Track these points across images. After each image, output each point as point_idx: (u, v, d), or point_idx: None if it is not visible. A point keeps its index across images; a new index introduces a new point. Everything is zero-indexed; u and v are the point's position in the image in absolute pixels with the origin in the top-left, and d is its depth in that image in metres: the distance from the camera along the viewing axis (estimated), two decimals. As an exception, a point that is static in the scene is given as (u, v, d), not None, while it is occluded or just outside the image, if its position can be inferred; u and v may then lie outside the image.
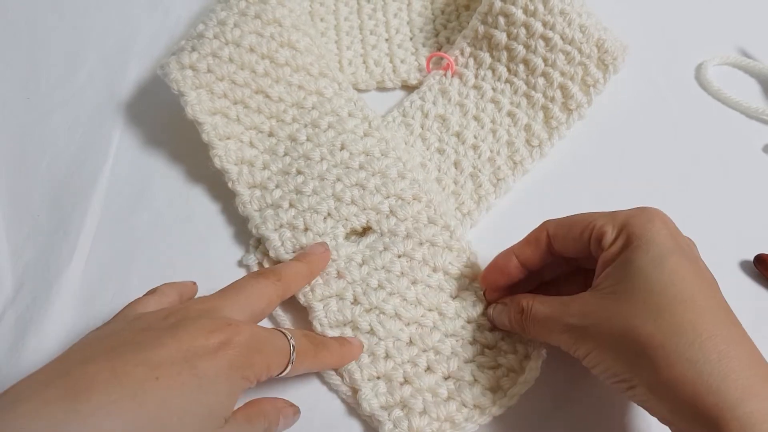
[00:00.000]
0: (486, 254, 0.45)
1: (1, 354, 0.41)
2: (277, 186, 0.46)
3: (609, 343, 0.32)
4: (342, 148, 0.47)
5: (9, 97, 0.54)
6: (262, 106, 0.49)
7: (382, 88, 0.55)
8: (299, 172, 0.46)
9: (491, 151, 0.49)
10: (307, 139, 0.48)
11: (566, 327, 0.34)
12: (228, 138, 0.47)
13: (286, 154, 0.47)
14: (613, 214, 0.36)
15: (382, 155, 0.47)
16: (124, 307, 0.36)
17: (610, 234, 0.35)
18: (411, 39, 0.57)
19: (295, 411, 0.37)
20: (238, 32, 0.48)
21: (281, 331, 0.36)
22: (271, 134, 0.48)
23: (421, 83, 0.53)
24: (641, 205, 0.36)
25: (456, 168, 0.48)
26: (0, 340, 0.41)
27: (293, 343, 0.35)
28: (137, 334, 0.31)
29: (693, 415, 0.29)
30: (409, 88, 0.54)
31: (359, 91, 0.54)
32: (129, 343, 0.30)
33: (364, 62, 0.55)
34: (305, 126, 0.48)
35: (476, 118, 0.50)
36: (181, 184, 0.49)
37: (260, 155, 0.48)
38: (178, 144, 0.49)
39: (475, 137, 0.50)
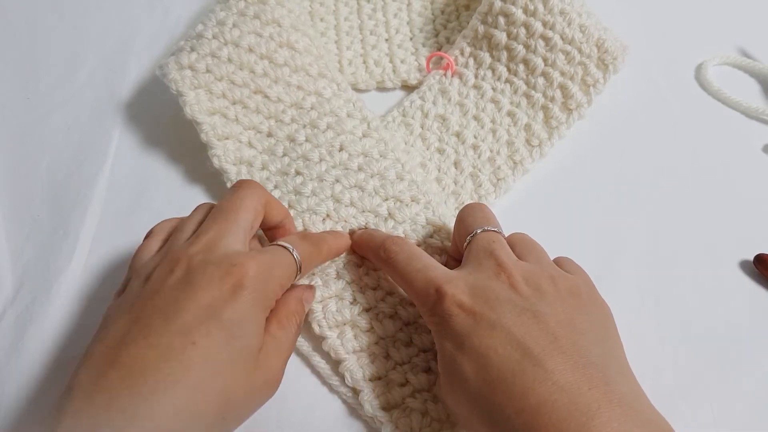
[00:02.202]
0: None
1: (1, 354, 0.41)
2: (275, 187, 0.46)
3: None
4: (341, 149, 0.47)
5: (9, 97, 0.54)
6: (260, 106, 0.48)
7: (382, 88, 0.55)
8: (298, 173, 0.46)
9: (491, 151, 0.49)
10: (306, 140, 0.48)
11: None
12: (227, 138, 0.47)
13: (284, 155, 0.47)
14: (422, 297, 0.36)
15: (380, 157, 0.47)
16: (132, 260, 0.37)
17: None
18: (411, 39, 0.57)
19: (312, 288, 0.39)
20: (237, 32, 0.48)
21: (282, 246, 0.36)
22: (269, 135, 0.48)
23: (421, 83, 0.53)
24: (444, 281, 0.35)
25: (456, 168, 0.48)
26: (0, 340, 0.41)
27: (296, 255, 0.36)
28: (155, 299, 0.32)
29: None
30: (409, 88, 0.54)
31: (359, 91, 0.54)
32: (153, 313, 0.31)
33: (364, 62, 0.55)
34: (304, 127, 0.48)
35: (476, 118, 0.50)
36: (180, 183, 0.49)
37: (259, 155, 0.48)
38: (177, 144, 0.49)
39: (475, 137, 0.50)
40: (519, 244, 0.38)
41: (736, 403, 0.39)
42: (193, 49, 0.48)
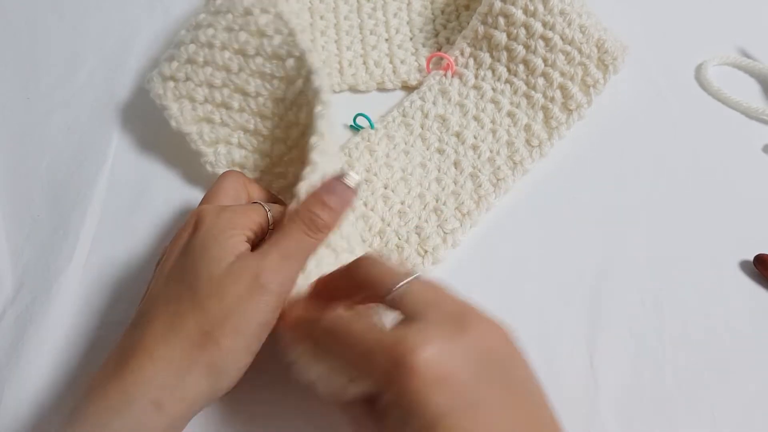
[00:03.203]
0: (485, 254, 0.45)
1: (1, 354, 0.41)
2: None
3: None
4: None
5: (9, 97, 0.54)
6: (243, 104, 0.47)
7: (382, 89, 0.55)
8: None
9: (491, 152, 0.49)
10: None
11: None
12: (216, 143, 0.47)
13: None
14: (375, 368, 0.29)
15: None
16: None
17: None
18: (411, 39, 0.57)
19: (340, 177, 0.37)
20: (211, 32, 0.47)
21: (255, 201, 0.39)
22: (256, 132, 0.48)
23: (421, 84, 0.53)
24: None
25: (456, 168, 0.48)
26: (0, 340, 0.41)
27: (267, 207, 0.38)
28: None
29: None
30: (409, 89, 0.54)
31: (360, 92, 0.54)
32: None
33: (364, 63, 0.55)
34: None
35: (476, 119, 0.50)
36: (180, 184, 0.49)
37: (251, 155, 0.47)
38: (177, 144, 0.49)
39: (475, 137, 0.50)
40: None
41: (736, 403, 0.39)
42: (173, 58, 0.47)
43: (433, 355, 0.27)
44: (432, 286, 0.31)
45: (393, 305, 0.31)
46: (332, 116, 0.52)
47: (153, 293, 0.35)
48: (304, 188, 0.37)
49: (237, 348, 0.32)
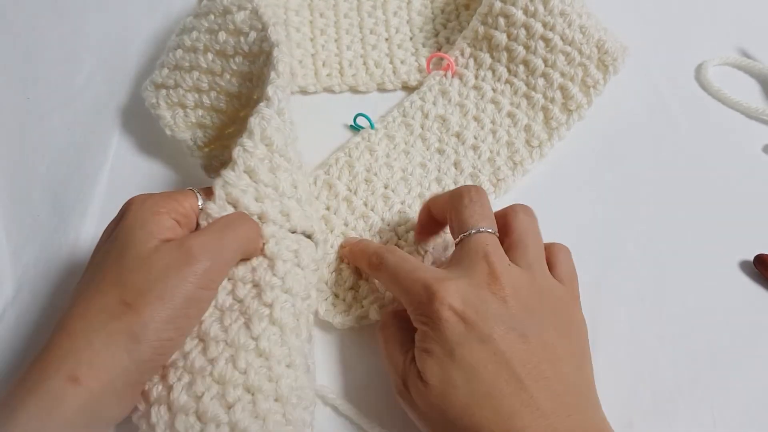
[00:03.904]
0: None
1: (1, 354, 0.41)
2: None
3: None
4: None
5: (9, 97, 0.54)
6: (228, 105, 0.47)
7: (382, 89, 0.55)
8: None
9: (491, 152, 0.49)
10: None
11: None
12: (212, 145, 0.47)
13: None
14: (413, 300, 0.36)
15: None
16: None
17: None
18: (411, 39, 0.57)
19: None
20: (195, 35, 0.47)
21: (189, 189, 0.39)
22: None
23: (421, 84, 0.53)
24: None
25: (456, 168, 0.48)
26: (0, 341, 0.41)
27: (197, 191, 0.38)
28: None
29: None
30: (409, 89, 0.54)
31: (360, 92, 0.54)
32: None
33: (365, 63, 0.55)
34: None
35: (476, 119, 0.50)
36: (179, 185, 0.49)
37: None
38: (177, 144, 0.49)
39: (475, 138, 0.50)
40: (513, 247, 0.37)
41: (736, 403, 0.39)
42: (163, 65, 0.47)
43: (458, 295, 0.34)
44: (491, 241, 0.36)
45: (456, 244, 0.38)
46: (332, 117, 0.52)
47: (80, 280, 0.35)
48: (256, 122, 0.38)
49: (158, 318, 0.31)
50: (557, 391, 0.32)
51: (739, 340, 0.42)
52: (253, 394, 0.34)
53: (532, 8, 0.49)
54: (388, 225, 0.46)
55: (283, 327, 0.36)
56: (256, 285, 0.36)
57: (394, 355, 0.36)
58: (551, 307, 0.35)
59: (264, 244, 0.37)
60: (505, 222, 0.39)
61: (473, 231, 0.37)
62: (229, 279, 0.37)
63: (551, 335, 0.34)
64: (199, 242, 0.34)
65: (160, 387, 0.34)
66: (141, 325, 0.31)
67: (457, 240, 0.38)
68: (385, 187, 0.47)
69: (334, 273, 0.44)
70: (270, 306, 0.36)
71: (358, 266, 0.43)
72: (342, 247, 0.44)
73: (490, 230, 0.37)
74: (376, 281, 0.43)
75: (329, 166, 0.48)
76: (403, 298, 0.36)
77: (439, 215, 0.41)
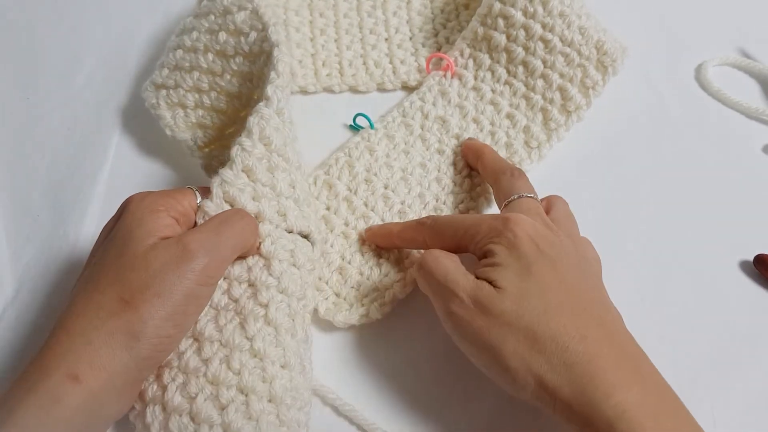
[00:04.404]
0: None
1: (1, 354, 0.41)
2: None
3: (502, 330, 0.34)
4: None
5: (9, 97, 0.54)
6: (229, 106, 0.47)
7: (382, 89, 0.55)
8: None
9: (490, 152, 0.49)
10: None
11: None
12: (212, 145, 0.47)
13: None
14: (484, 229, 0.38)
15: None
16: None
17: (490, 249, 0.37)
18: (410, 39, 0.57)
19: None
20: (195, 35, 0.47)
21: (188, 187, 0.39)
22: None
23: (420, 84, 0.53)
24: (512, 212, 0.38)
25: (455, 168, 0.48)
26: (0, 340, 0.41)
27: (195, 188, 0.38)
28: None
29: (569, 415, 0.32)
30: (409, 89, 0.54)
31: (360, 92, 0.54)
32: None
33: (364, 63, 0.55)
34: None
35: (475, 121, 0.50)
36: (179, 185, 0.49)
37: None
38: (177, 144, 0.49)
39: (475, 138, 0.50)
40: (554, 221, 0.40)
41: (736, 403, 0.39)
42: (163, 65, 0.47)
43: (530, 223, 0.37)
44: (534, 204, 0.40)
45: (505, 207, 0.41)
46: (331, 117, 0.52)
47: (79, 279, 0.35)
48: (255, 121, 0.38)
49: (157, 315, 0.31)
50: (618, 325, 0.35)
51: (739, 340, 0.42)
52: (246, 395, 0.34)
53: (532, 9, 0.49)
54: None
55: (279, 327, 0.36)
56: (251, 285, 0.36)
57: (455, 275, 0.36)
58: (591, 271, 0.38)
59: (260, 243, 0.37)
60: (544, 203, 0.42)
61: (524, 195, 0.41)
62: (224, 278, 0.37)
63: (600, 288, 0.38)
64: (196, 239, 0.34)
65: (155, 387, 0.34)
66: (140, 322, 0.31)
67: (507, 202, 0.41)
68: (385, 187, 0.47)
69: (335, 272, 0.44)
70: (265, 306, 0.36)
71: (392, 240, 0.44)
72: (367, 231, 0.45)
73: (536, 199, 0.41)
74: (414, 251, 0.44)
75: (329, 166, 0.48)
76: (468, 235, 0.38)
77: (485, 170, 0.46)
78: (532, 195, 0.41)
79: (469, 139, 0.49)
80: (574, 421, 0.32)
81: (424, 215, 0.46)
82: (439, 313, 0.37)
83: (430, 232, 0.41)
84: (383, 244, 0.45)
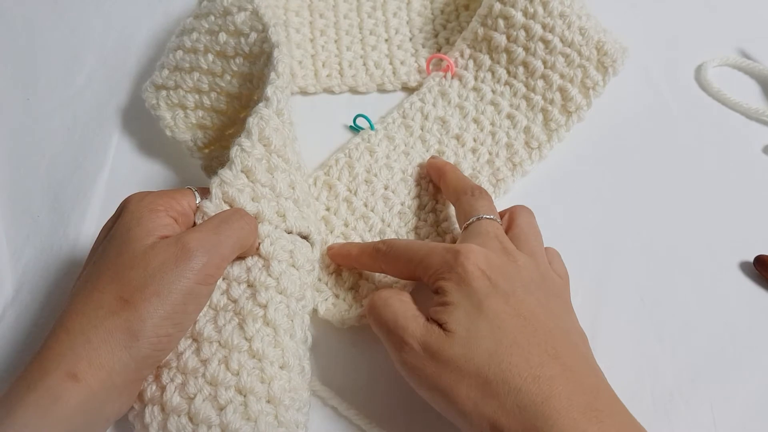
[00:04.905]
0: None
1: (1, 354, 0.41)
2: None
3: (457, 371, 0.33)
4: None
5: (8, 97, 0.54)
6: (229, 106, 0.47)
7: (382, 90, 0.55)
8: None
9: (490, 154, 0.49)
10: None
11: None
12: (212, 146, 0.47)
13: None
14: (435, 262, 0.36)
15: None
16: None
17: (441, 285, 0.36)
18: (410, 39, 0.57)
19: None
20: (195, 36, 0.47)
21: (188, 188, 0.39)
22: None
23: (421, 85, 0.53)
24: (460, 246, 0.37)
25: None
26: (0, 340, 0.41)
27: (194, 189, 0.38)
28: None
29: None
30: (409, 90, 0.54)
31: (360, 93, 0.54)
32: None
33: (364, 64, 0.55)
34: None
35: (476, 121, 0.50)
36: (179, 185, 0.49)
37: None
38: (177, 144, 0.49)
39: (475, 140, 0.50)
40: (515, 238, 0.39)
41: (736, 403, 0.39)
42: (163, 66, 0.47)
43: (482, 255, 0.35)
44: (498, 227, 0.39)
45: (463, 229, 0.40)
46: (331, 118, 0.52)
47: (79, 278, 0.35)
48: (255, 122, 0.38)
49: (156, 314, 0.32)
50: (575, 353, 0.34)
51: (739, 340, 0.42)
52: (245, 396, 0.34)
53: (532, 10, 0.49)
54: (389, 226, 0.46)
55: (277, 328, 0.36)
56: (250, 285, 0.36)
57: (404, 320, 0.35)
58: (554, 292, 0.37)
59: (259, 243, 0.37)
60: (506, 218, 0.41)
61: (483, 216, 0.40)
62: (224, 279, 0.37)
63: (561, 311, 0.36)
64: (195, 238, 0.34)
65: (154, 387, 0.34)
66: (139, 321, 0.31)
67: (466, 225, 0.40)
68: (385, 188, 0.47)
69: (333, 273, 0.44)
70: (264, 307, 0.36)
71: (351, 262, 0.43)
72: (329, 249, 0.44)
73: (496, 220, 0.40)
74: (376, 273, 0.43)
75: (329, 167, 0.48)
76: (421, 267, 0.37)
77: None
78: (491, 216, 0.40)
79: (432, 157, 0.48)
80: None
81: (423, 216, 0.46)
82: (392, 358, 0.36)
83: (385, 260, 0.40)
84: (343, 264, 0.44)
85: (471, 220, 0.40)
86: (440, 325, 0.34)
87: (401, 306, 0.36)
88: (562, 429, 0.30)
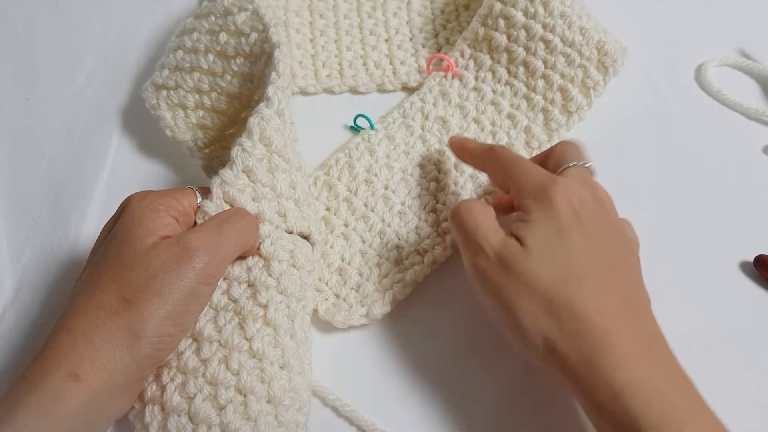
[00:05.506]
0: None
1: (1, 354, 0.41)
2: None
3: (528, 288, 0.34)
4: None
5: (9, 98, 0.54)
6: (229, 106, 0.47)
7: (382, 90, 0.55)
8: None
9: (491, 153, 0.49)
10: None
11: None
12: (212, 146, 0.47)
13: None
14: (532, 180, 0.38)
15: None
16: None
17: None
18: (411, 40, 0.57)
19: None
20: (195, 36, 0.47)
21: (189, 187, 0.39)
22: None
23: (421, 85, 0.53)
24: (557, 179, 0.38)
25: (456, 170, 0.48)
26: (0, 340, 0.41)
27: (196, 189, 0.38)
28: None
29: (574, 382, 0.32)
30: (409, 90, 0.54)
31: (360, 93, 0.54)
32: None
33: (364, 64, 0.55)
34: None
35: (476, 121, 0.50)
36: (179, 185, 0.49)
37: None
38: (177, 144, 0.49)
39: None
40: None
41: (736, 403, 0.39)
42: (164, 66, 0.47)
43: (577, 193, 0.36)
44: (587, 175, 0.40)
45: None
46: (332, 118, 0.52)
47: (80, 278, 0.35)
48: (256, 122, 0.38)
49: (158, 314, 0.32)
50: (642, 307, 0.35)
51: (739, 340, 0.42)
52: (245, 396, 0.34)
53: (532, 10, 0.49)
54: (389, 226, 0.46)
55: (278, 328, 0.36)
56: (251, 285, 0.36)
57: (484, 229, 0.36)
58: (633, 255, 0.38)
59: (260, 243, 0.37)
60: None
61: (579, 163, 0.40)
62: (224, 278, 0.37)
63: (636, 271, 0.37)
64: (196, 237, 0.34)
65: (154, 387, 0.34)
66: (140, 321, 0.31)
67: (562, 169, 0.40)
68: (386, 188, 0.47)
69: (334, 273, 0.44)
70: (264, 307, 0.36)
71: (464, 155, 0.45)
72: (451, 138, 0.46)
73: (589, 165, 0.41)
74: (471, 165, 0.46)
75: (329, 166, 0.48)
76: (521, 180, 0.38)
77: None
78: (590, 164, 0.41)
79: (453, 136, 0.48)
80: (578, 388, 0.32)
81: (423, 216, 0.46)
82: (464, 262, 0.38)
83: (492, 162, 0.41)
84: (457, 154, 0.46)
85: (565, 167, 0.40)
86: (518, 240, 0.35)
87: (484, 217, 0.37)
88: (616, 361, 0.31)
